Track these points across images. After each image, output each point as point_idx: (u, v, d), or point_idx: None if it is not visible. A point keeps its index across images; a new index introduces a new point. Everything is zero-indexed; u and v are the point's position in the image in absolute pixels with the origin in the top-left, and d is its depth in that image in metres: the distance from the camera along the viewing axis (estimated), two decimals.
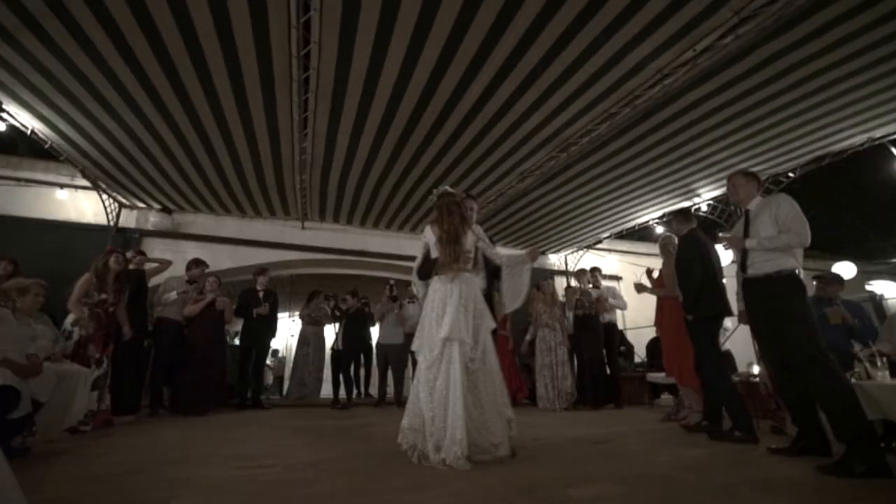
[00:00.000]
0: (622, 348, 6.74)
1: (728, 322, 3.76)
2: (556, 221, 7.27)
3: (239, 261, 7.00)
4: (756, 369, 4.38)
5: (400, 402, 6.12)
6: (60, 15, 3.02)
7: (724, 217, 6.41)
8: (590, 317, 5.60)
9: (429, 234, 2.66)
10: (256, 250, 7.16)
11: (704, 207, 6.47)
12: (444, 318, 2.40)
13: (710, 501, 1.66)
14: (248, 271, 6.36)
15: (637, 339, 6.99)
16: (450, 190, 2.78)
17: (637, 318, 8.68)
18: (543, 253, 9.06)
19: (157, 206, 6.65)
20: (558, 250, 8.95)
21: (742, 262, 2.67)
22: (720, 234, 3.21)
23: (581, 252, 8.90)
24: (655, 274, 4.30)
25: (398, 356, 6.21)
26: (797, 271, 2.52)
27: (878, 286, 8.58)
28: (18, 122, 4.37)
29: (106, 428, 3.71)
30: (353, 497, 1.73)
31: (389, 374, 6.19)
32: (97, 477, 2.09)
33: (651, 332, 6.33)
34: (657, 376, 5.30)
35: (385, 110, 4.13)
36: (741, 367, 4.83)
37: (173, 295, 4.95)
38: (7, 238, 5.73)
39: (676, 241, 3.74)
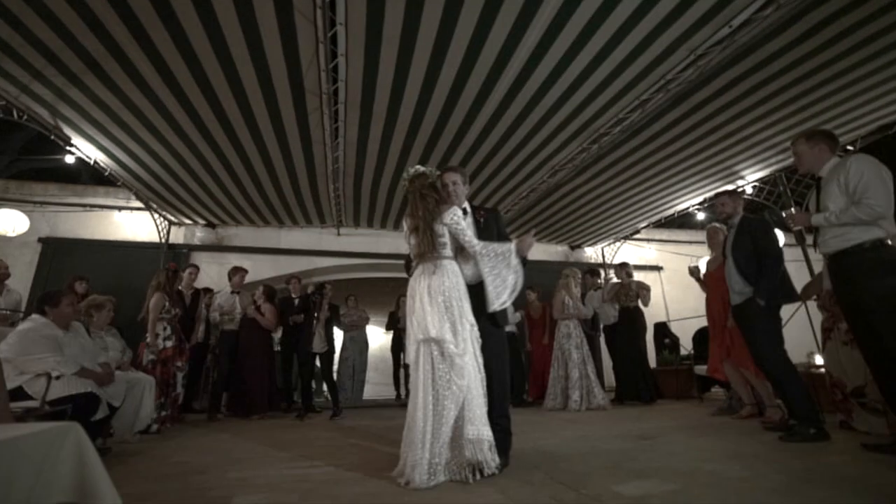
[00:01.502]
0: (666, 340, 6.51)
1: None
2: (590, 214, 7.11)
3: (279, 269, 7.30)
4: (818, 359, 4.10)
5: None
6: (116, 55, 3.33)
7: (771, 198, 6.05)
8: (628, 310, 5.45)
9: (405, 226, 2.39)
10: (295, 258, 7.45)
11: (749, 190, 6.13)
12: (412, 316, 2.17)
13: (775, 502, 1.56)
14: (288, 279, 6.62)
15: (681, 330, 6.72)
16: (422, 170, 2.40)
17: (680, 309, 8.36)
18: (580, 246, 8.87)
19: (202, 221, 7.05)
20: (594, 243, 8.74)
21: (814, 238, 2.41)
22: (784, 212, 2.90)
23: (618, 243, 8.65)
24: (703, 266, 4.11)
25: None
26: (885, 241, 2.10)
27: None
28: (84, 154, 4.84)
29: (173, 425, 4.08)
30: (400, 496, 1.78)
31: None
32: (167, 476, 2.26)
33: (697, 323, 6.10)
34: (703, 369, 5.09)
35: (413, 115, 4.19)
36: (800, 357, 4.52)
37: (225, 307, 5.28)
38: (77, 258, 6.28)
39: (724, 227, 3.54)
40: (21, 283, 5.81)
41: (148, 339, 4.15)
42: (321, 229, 7.57)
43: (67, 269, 5.77)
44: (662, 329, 6.84)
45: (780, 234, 3.28)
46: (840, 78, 3.87)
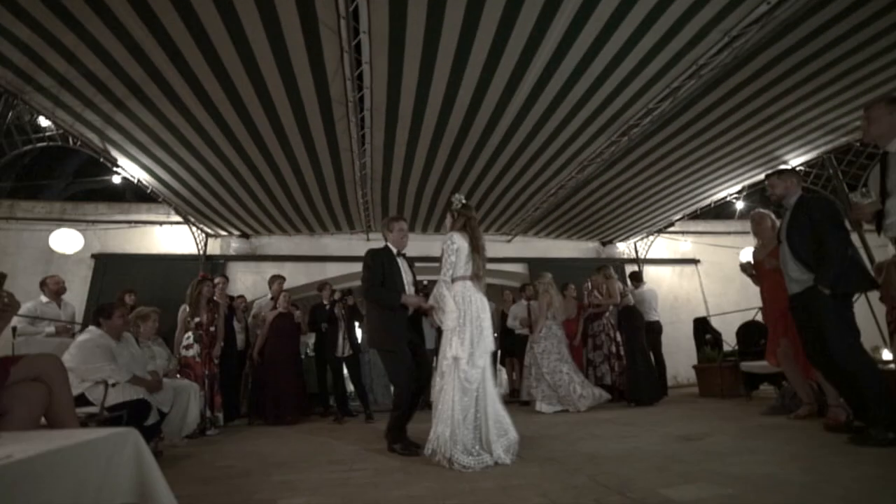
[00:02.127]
0: (707, 336, 6.24)
1: None
2: (621, 208, 6.93)
3: (312, 276, 7.48)
4: (886, 353, 3.77)
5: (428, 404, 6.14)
6: (155, 78, 3.54)
7: (819, 182, 5.68)
8: (626, 311, 5.27)
9: (460, 241, 2.73)
10: (327, 265, 7.62)
11: None
12: (486, 330, 2.56)
13: None
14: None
15: (723, 325, 6.42)
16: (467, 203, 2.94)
17: (721, 303, 8.01)
18: (611, 242, 8.65)
19: (237, 232, 7.32)
20: (626, 238, 8.50)
21: (878, 221, 2.21)
22: (851, 196, 2.55)
23: (652, 237, 8.38)
24: (743, 257, 3.86)
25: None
26: None
27: None
28: (129, 173, 5.16)
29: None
30: (442, 499, 1.77)
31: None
32: (214, 479, 2.34)
33: (740, 318, 5.81)
34: (754, 365, 4.84)
35: (438, 116, 4.21)
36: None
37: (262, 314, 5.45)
38: (125, 272, 6.65)
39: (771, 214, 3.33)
40: (77, 296, 6.21)
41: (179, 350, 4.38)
42: (351, 235, 7.71)
43: (116, 283, 6.13)
44: (702, 324, 6.56)
45: None
46: None
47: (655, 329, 5.93)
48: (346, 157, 4.90)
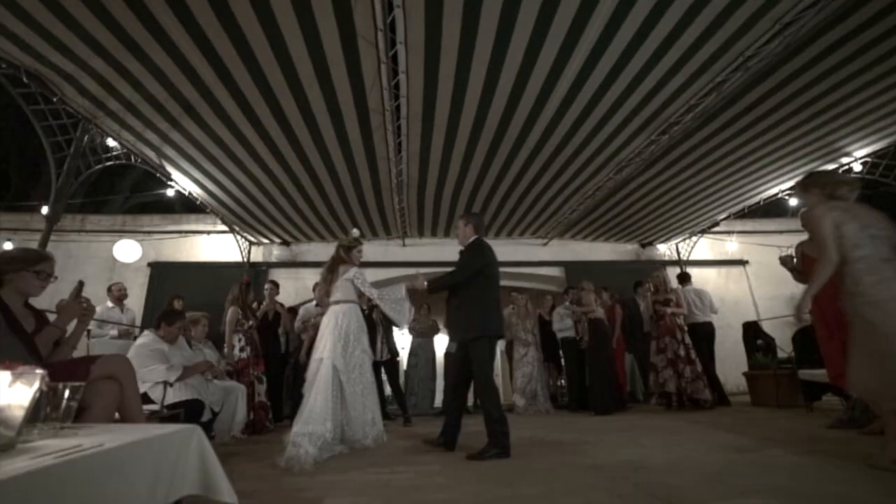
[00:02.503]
0: (759, 342, 5.88)
1: None
2: (662, 209, 6.68)
3: None
4: None
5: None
6: (207, 98, 3.79)
7: (891, 174, 5.23)
8: (593, 323, 5.34)
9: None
10: (364, 270, 7.74)
11: (858, 167, 5.37)
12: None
13: None
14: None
15: (776, 330, 6.04)
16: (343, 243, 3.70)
17: (772, 306, 7.54)
18: (651, 243, 8.35)
19: (278, 240, 7.64)
20: (667, 239, 8.18)
21: None
22: None
23: (695, 238, 8.02)
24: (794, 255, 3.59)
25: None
26: None
27: None
28: (181, 187, 5.52)
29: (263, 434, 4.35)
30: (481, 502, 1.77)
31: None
32: (264, 476, 2.44)
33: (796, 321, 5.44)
34: (816, 373, 4.50)
35: (473, 122, 4.24)
36: None
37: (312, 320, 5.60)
38: (176, 279, 7.08)
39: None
40: (137, 302, 6.67)
41: (226, 350, 4.55)
42: (387, 241, 7.86)
43: (170, 289, 6.52)
44: (753, 329, 6.19)
45: None
46: None
47: (698, 333, 5.68)
48: (383, 165, 5.01)
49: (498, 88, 3.73)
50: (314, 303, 5.92)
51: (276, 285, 5.95)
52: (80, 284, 1.93)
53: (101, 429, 1.08)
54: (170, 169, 5.08)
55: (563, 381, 6.70)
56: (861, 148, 5.04)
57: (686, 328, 5.41)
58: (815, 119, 4.39)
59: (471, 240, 3.20)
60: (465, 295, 3.03)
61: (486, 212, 6.61)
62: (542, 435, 3.45)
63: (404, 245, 7.85)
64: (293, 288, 7.49)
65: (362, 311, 5.63)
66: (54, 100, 3.76)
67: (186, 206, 8.13)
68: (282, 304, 6.10)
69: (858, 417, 3.38)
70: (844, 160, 5.24)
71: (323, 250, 7.83)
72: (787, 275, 3.63)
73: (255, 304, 5.42)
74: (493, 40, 3.19)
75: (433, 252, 7.88)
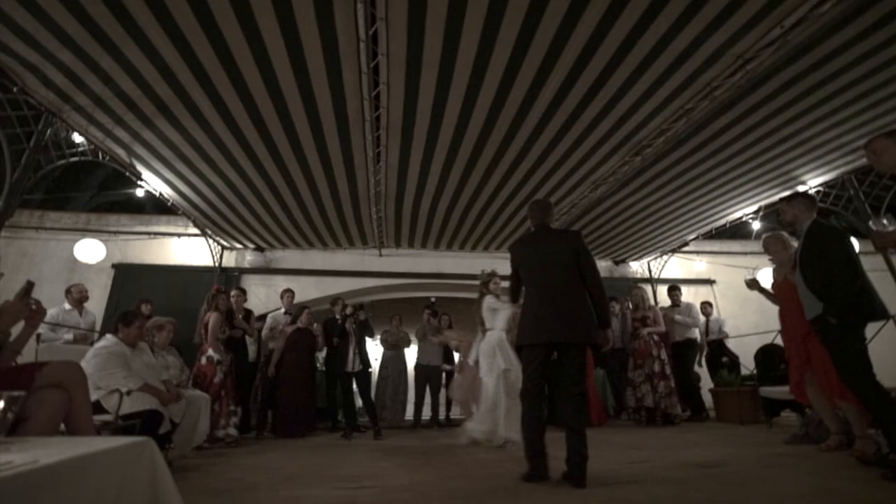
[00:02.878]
0: (724, 359, 6.08)
1: None
2: (635, 227, 6.88)
3: (324, 290, 7.55)
4: None
5: (439, 423, 6.31)
6: (182, 98, 3.68)
7: (840, 203, 5.56)
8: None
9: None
10: (339, 279, 7.68)
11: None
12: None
13: None
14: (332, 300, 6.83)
15: (740, 348, 6.25)
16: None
17: (738, 324, 7.80)
18: (624, 261, 8.57)
19: (252, 245, 7.46)
20: (640, 257, 8.42)
21: None
22: (871, 224, 2.51)
23: (666, 257, 8.28)
24: (761, 277, 3.78)
25: (438, 377, 6.47)
26: None
27: None
28: (152, 187, 5.33)
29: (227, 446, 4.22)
30: None
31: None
32: (222, 492, 2.34)
33: (758, 341, 5.66)
34: (775, 391, 4.68)
35: (452, 136, 4.27)
36: (891, 383, 3.98)
37: (279, 328, 5.54)
38: (143, 282, 6.81)
39: (785, 234, 3.28)
40: (97, 305, 6.35)
41: (216, 358, 4.45)
42: (364, 250, 7.79)
43: (134, 292, 6.27)
44: (718, 347, 6.40)
45: (854, 241, 2.91)
46: None
47: (692, 347, 6.10)
48: (362, 175, 4.99)
49: (477, 104, 3.78)
50: (282, 311, 5.80)
51: (243, 292, 5.80)
52: (29, 284, 1.81)
53: (38, 443, 1.00)
54: (140, 168, 4.91)
55: None
56: (815, 177, 5.35)
57: (662, 344, 5.57)
58: (774, 148, 4.64)
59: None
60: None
61: (462, 225, 6.66)
62: (508, 450, 3.44)
63: (381, 255, 7.79)
64: (266, 295, 7.32)
65: (336, 319, 5.60)
66: (14, 90, 3.58)
67: (158, 206, 7.88)
68: (250, 311, 5.94)
69: (812, 433, 3.55)
70: (801, 188, 5.54)
71: (298, 257, 7.70)
72: (752, 295, 3.80)
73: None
74: (473, 58, 3.24)
75: (410, 263, 7.86)
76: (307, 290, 7.40)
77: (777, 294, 3.56)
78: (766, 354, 5.21)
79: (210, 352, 4.50)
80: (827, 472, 2.46)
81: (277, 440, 4.86)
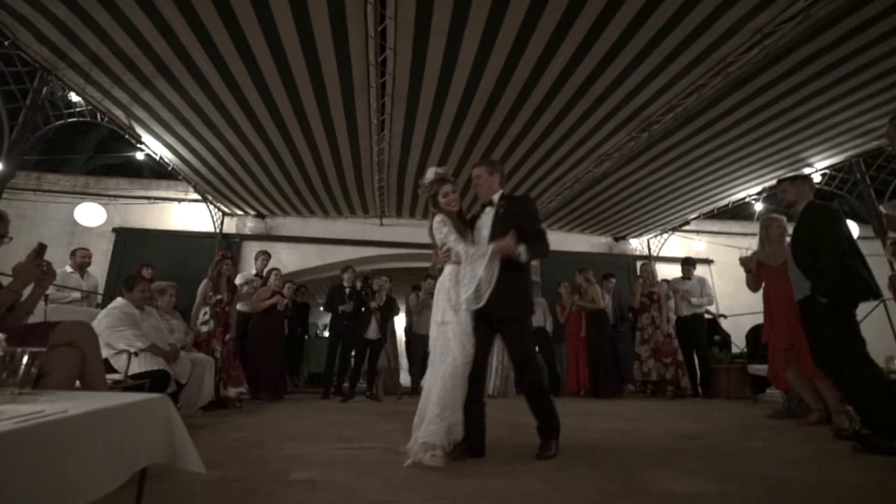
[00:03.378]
0: (716, 337, 6.21)
1: None
2: (637, 204, 6.86)
3: (325, 258, 7.60)
4: None
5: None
6: (183, 58, 3.59)
7: (845, 186, 5.54)
8: (595, 314, 5.85)
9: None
10: (340, 248, 7.71)
11: (818, 178, 5.66)
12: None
13: None
14: (334, 268, 6.89)
15: (734, 327, 6.37)
16: (429, 178, 2.74)
17: (733, 304, 7.91)
18: (624, 238, 8.59)
19: (252, 212, 7.44)
20: (640, 234, 8.44)
21: None
22: (885, 212, 2.52)
23: (666, 235, 8.30)
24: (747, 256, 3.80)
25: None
26: None
27: None
28: (152, 150, 5.24)
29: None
30: (448, 479, 1.84)
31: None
32: (230, 448, 2.44)
33: (751, 320, 5.77)
34: (762, 368, 4.82)
35: (459, 105, 4.20)
36: (878, 362, 4.12)
37: (245, 288, 5.40)
38: (144, 247, 6.81)
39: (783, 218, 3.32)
40: (99, 269, 6.39)
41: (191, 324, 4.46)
42: (365, 219, 7.78)
43: (136, 257, 6.29)
44: (712, 325, 6.52)
45: (853, 224, 2.92)
46: None
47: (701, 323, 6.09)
48: (365, 143, 4.93)
49: (485, 73, 3.70)
50: (253, 272, 5.73)
51: (267, 255, 5.81)
52: (41, 247, 1.84)
53: (64, 395, 1.06)
54: (140, 131, 4.83)
55: None
56: (822, 160, 5.30)
57: (670, 319, 5.75)
58: (784, 129, 4.58)
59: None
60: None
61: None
62: (505, 418, 3.57)
63: (381, 224, 7.79)
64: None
65: (343, 287, 5.69)
66: (6, 43, 3.47)
67: (155, 171, 7.80)
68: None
69: (794, 409, 3.72)
70: (807, 170, 5.50)
71: (298, 225, 7.69)
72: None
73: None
74: (483, 24, 3.15)
75: (410, 233, 7.87)
76: (308, 257, 7.45)
77: (761, 277, 3.61)
78: (756, 334, 5.33)
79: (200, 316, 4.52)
80: (803, 443, 2.59)
81: (262, 403, 4.88)
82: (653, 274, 6.04)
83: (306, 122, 4.54)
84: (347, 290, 5.86)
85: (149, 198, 7.40)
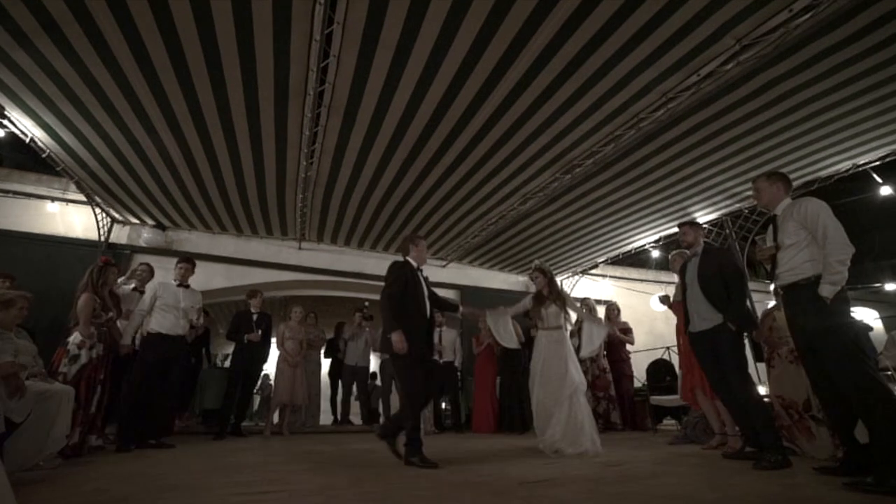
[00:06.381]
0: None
1: None
2: (553, 245, 7.31)
3: (233, 280, 6.84)
4: (762, 389, 4.34)
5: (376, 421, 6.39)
6: (81, 20, 2.99)
7: (718, 240, 6.54)
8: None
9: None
10: (251, 269, 7.01)
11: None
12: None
13: None
14: (242, 291, 6.20)
15: (635, 364, 6.91)
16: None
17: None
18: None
19: (151, 221, 6.49)
20: (555, 275, 8.96)
21: (772, 269, 2.62)
22: (757, 239, 3.17)
23: (576, 277, 8.92)
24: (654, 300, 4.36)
25: (366, 378, 6.74)
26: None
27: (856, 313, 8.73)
28: (19, 129, 4.23)
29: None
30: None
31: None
32: None
33: (649, 356, 6.34)
34: (663, 399, 5.24)
35: (396, 127, 4.17)
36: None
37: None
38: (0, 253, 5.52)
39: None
40: None
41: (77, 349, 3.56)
42: (282, 242, 7.24)
43: None
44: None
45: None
46: (779, 135, 4.35)
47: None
48: (293, 154, 4.63)
49: (426, 97, 3.75)
50: (132, 286, 4.91)
51: (151, 269, 4.97)
52: None
53: None
54: (3, 101, 3.86)
55: (444, 404, 6.73)
56: (704, 215, 6.21)
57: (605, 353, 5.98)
58: (679, 184, 5.30)
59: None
60: None
61: (391, 224, 6.52)
62: (427, 454, 3.34)
63: (300, 249, 7.31)
64: (162, 279, 6.37)
65: (250, 313, 5.17)
66: None
67: (18, 162, 6.57)
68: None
69: (689, 434, 4.11)
70: (692, 220, 6.42)
71: (206, 241, 6.89)
72: (644, 316, 4.35)
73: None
74: (431, 46, 3.21)
75: (330, 260, 7.49)
76: (214, 278, 6.64)
77: (676, 312, 4.05)
78: (655, 368, 5.84)
79: (74, 336, 3.68)
80: (706, 465, 2.83)
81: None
82: (592, 309, 6.32)
83: (230, 123, 4.12)
84: (255, 317, 5.31)
85: (6, 192, 6.10)
